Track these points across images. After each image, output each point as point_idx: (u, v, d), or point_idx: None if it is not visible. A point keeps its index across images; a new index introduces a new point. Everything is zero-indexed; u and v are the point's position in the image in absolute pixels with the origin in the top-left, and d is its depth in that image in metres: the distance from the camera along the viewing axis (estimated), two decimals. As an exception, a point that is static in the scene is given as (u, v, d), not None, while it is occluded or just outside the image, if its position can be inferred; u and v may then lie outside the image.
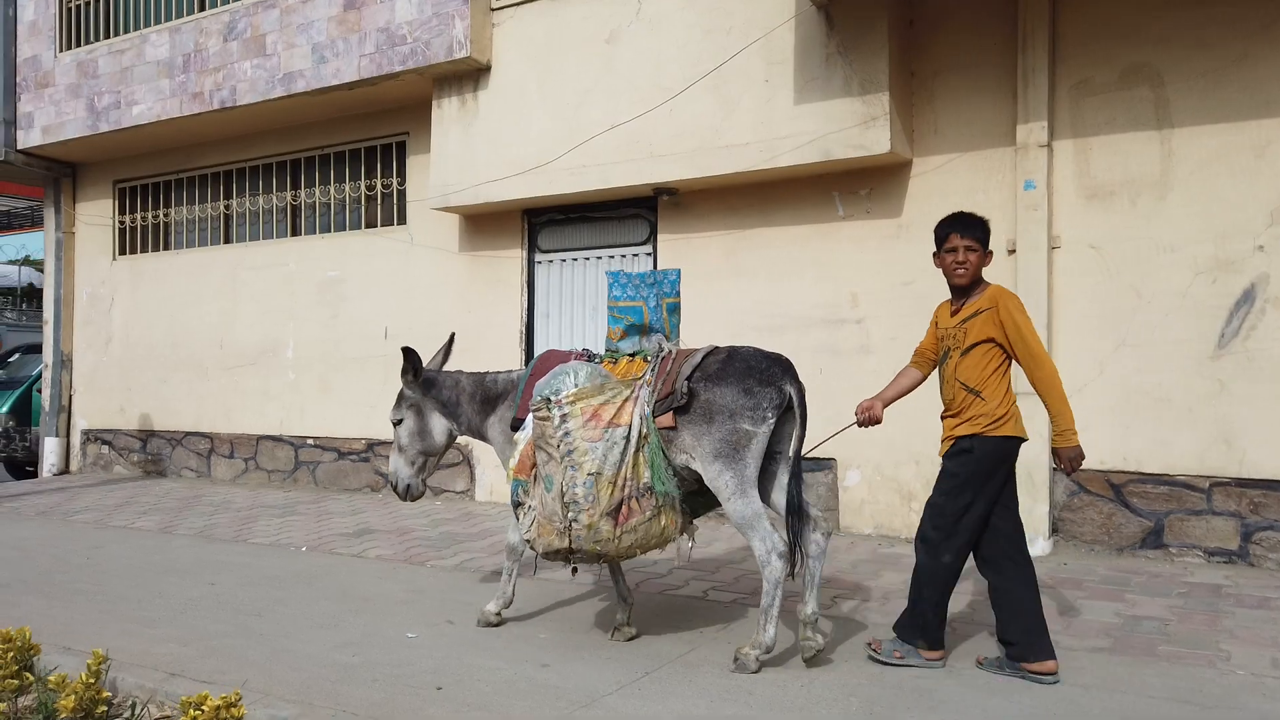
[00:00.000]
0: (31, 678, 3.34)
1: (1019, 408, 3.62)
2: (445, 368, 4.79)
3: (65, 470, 11.06)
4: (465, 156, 7.71)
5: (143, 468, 10.57)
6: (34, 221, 35.41)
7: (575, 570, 4.28)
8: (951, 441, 3.66)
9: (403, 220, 8.76)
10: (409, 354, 4.49)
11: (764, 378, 3.65)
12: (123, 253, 10.89)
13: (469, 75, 7.69)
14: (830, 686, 3.51)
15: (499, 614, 4.35)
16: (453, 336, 5.06)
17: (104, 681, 3.08)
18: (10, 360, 13.82)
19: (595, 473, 3.60)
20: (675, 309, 4.07)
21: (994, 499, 3.58)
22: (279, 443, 9.48)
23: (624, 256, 7.59)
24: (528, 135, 7.38)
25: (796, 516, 3.61)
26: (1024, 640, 3.56)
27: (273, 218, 9.70)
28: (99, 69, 9.76)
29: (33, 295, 24.72)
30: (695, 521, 4.03)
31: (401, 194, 8.79)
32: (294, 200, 9.49)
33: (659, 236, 7.32)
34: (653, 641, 4.08)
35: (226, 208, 10.02)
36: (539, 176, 7.29)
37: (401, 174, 8.77)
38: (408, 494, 4.64)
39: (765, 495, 3.77)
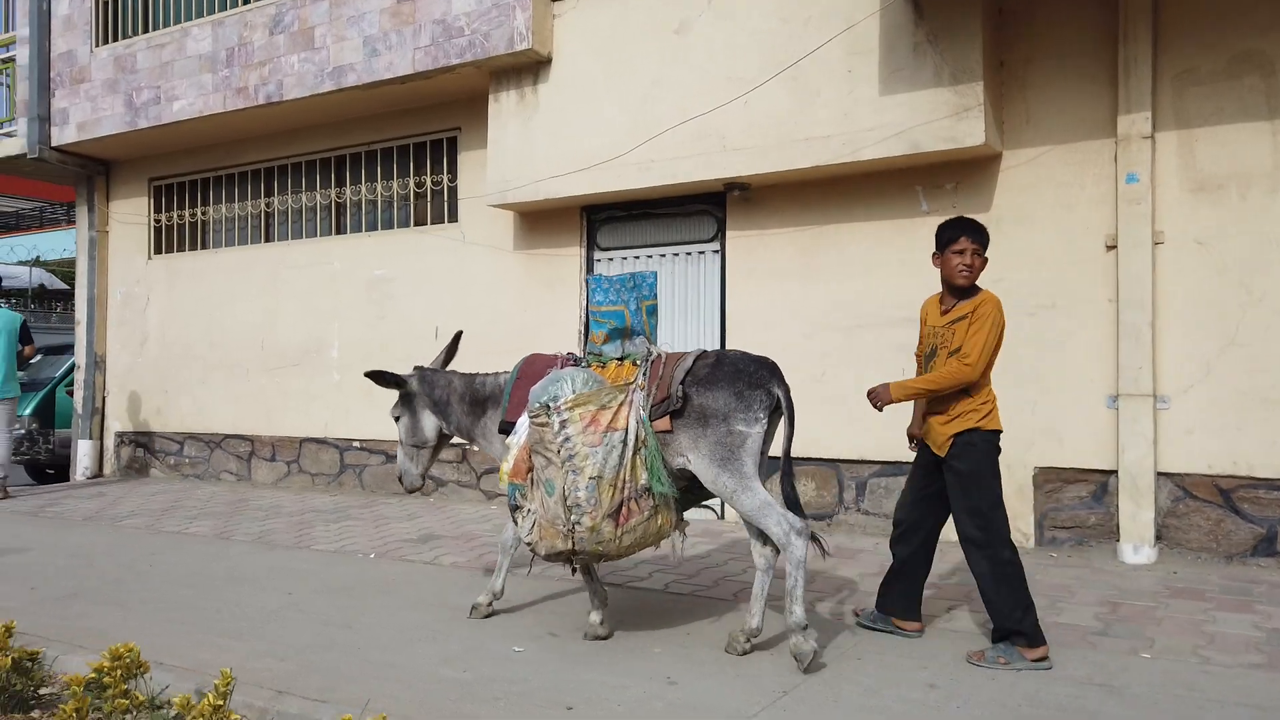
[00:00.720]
0: (141, 697, 3.13)
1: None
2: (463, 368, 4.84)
3: (99, 474, 10.85)
4: (524, 152, 7.50)
5: (179, 471, 10.36)
6: (43, 222, 35.35)
7: (575, 570, 4.28)
8: (950, 440, 3.79)
9: (454, 218, 8.55)
10: (378, 377, 4.66)
11: (753, 380, 3.76)
12: (158, 252, 10.68)
13: (529, 68, 7.48)
14: (984, 705, 3.30)
15: (490, 604, 4.54)
16: (458, 335, 5.05)
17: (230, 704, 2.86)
18: (31, 361, 13.59)
19: (597, 476, 3.68)
20: (654, 311, 4.16)
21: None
22: (323, 445, 9.26)
23: (689, 254, 7.38)
24: (591, 129, 7.17)
25: (795, 512, 3.71)
26: (902, 603, 4.08)
27: (316, 215, 9.49)
28: (137, 64, 9.55)
29: (43, 296, 24.50)
30: (686, 516, 4.16)
31: (453, 191, 8.58)
32: (339, 198, 9.28)
33: (727, 233, 7.10)
34: (766, 657, 3.86)
35: (268, 205, 9.81)
36: (603, 172, 7.07)
37: (453, 170, 8.56)
38: (408, 486, 4.80)
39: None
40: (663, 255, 7.48)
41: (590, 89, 7.21)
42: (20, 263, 26.28)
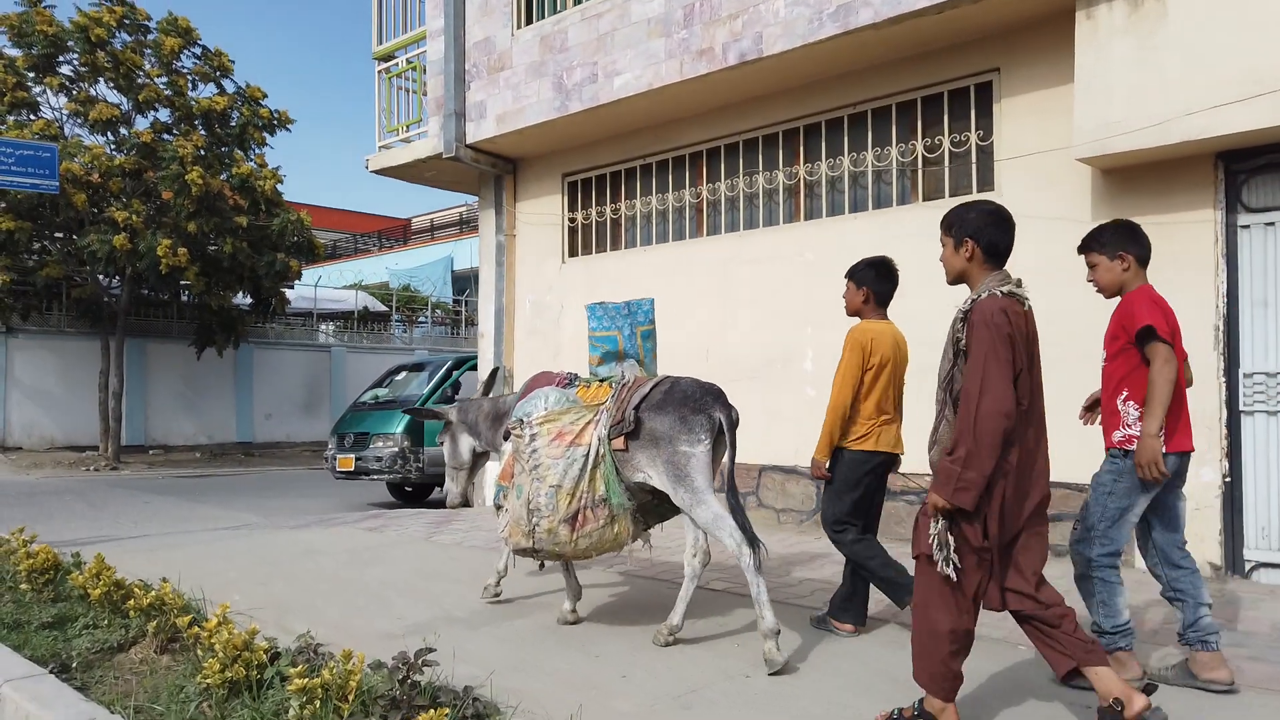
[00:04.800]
0: None
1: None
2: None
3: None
4: (1140, 82, 5.44)
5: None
6: (356, 250, 37.85)
7: (542, 566, 5.28)
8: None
9: (986, 185, 6.64)
10: (416, 413, 5.96)
11: (696, 406, 4.08)
12: (573, 254, 9.63)
13: (1146, -35, 5.43)
14: None
15: (498, 586, 5.11)
16: (495, 372, 6.08)
17: None
18: (395, 379, 13.24)
19: (556, 485, 4.14)
20: (649, 335, 4.57)
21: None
22: (791, 475, 7.67)
23: None
24: (1263, 40, 4.99)
25: (741, 521, 3.95)
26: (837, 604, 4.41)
27: (773, 199, 7.94)
28: (568, 40, 8.47)
29: (366, 319, 25.52)
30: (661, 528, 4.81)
31: (984, 150, 6.68)
32: (809, 174, 7.66)
33: None
34: None
35: (712, 191, 8.40)
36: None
37: (985, 125, 6.66)
38: (450, 503, 5.36)
39: None
40: (1376, 212, 5.15)
41: (1268, -23, 5.04)
42: (345, 287, 27.76)
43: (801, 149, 7.72)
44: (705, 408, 4.08)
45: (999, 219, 3.01)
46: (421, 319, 27.98)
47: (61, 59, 15.87)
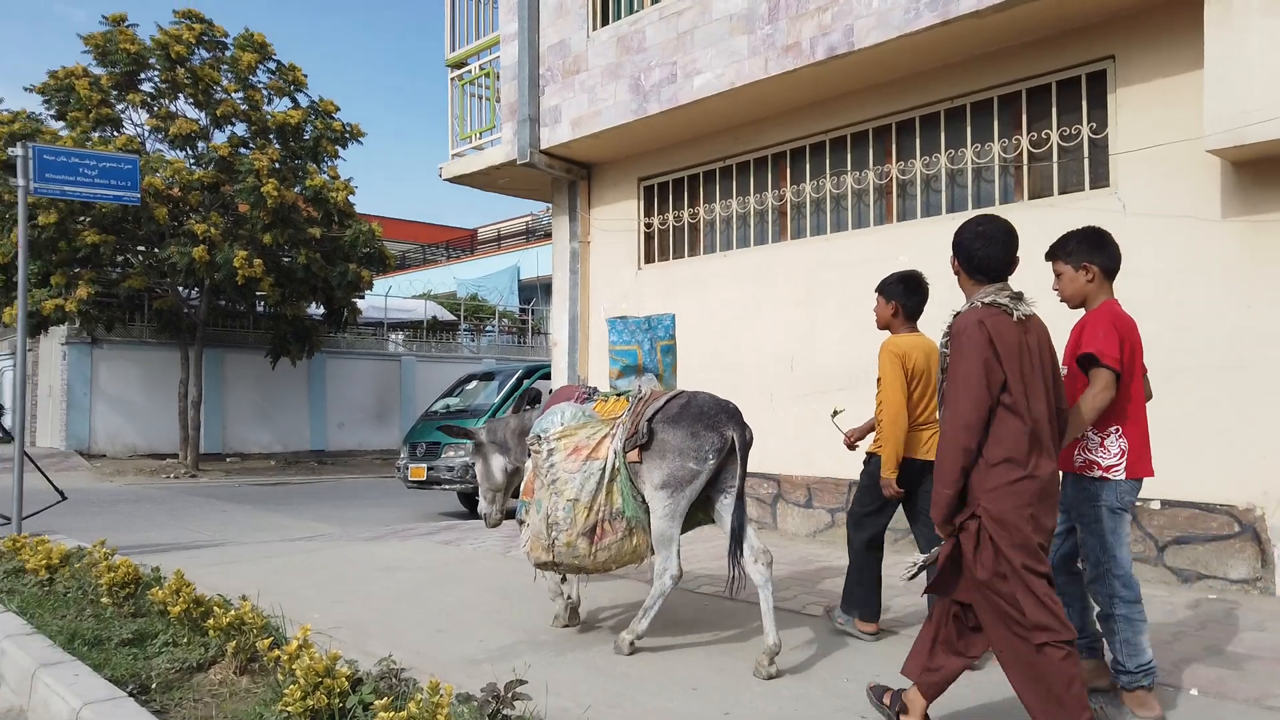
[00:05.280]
0: None
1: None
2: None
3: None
4: (1283, 63, 4.97)
5: (676, 512, 8.88)
6: (425, 261, 38.24)
7: (564, 579, 4.80)
8: None
9: (1101, 181, 6.20)
10: (449, 430, 5.30)
11: (710, 423, 4.11)
12: (649, 260, 9.38)
13: (1286, -63, 4.97)
14: None
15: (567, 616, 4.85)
16: (536, 395, 6.03)
17: None
18: (465, 388, 13.11)
19: (573, 499, 4.18)
20: (669, 350, 4.64)
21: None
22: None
23: None
24: None
25: (737, 544, 4.09)
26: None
27: (862, 201, 7.58)
28: (646, 40, 8.23)
29: (435, 328, 25.66)
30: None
31: (1097, 144, 6.23)
32: (902, 174, 7.28)
33: None
34: None
35: (796, 193, 8.07)
36: None
37: (1098, 117, 6.22)
38: (489, 524, 5.22)
39: (719, 519, 4.27)
40: None
41: None
42: (414, 297, 28.00)
43: (894, 147, 7.34)
44: (718, 425, 4.10)
45: (982, 235, 2.97)
46: (489, 328, 28.07)
47: (143, 76, 16.23)
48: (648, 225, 9.36)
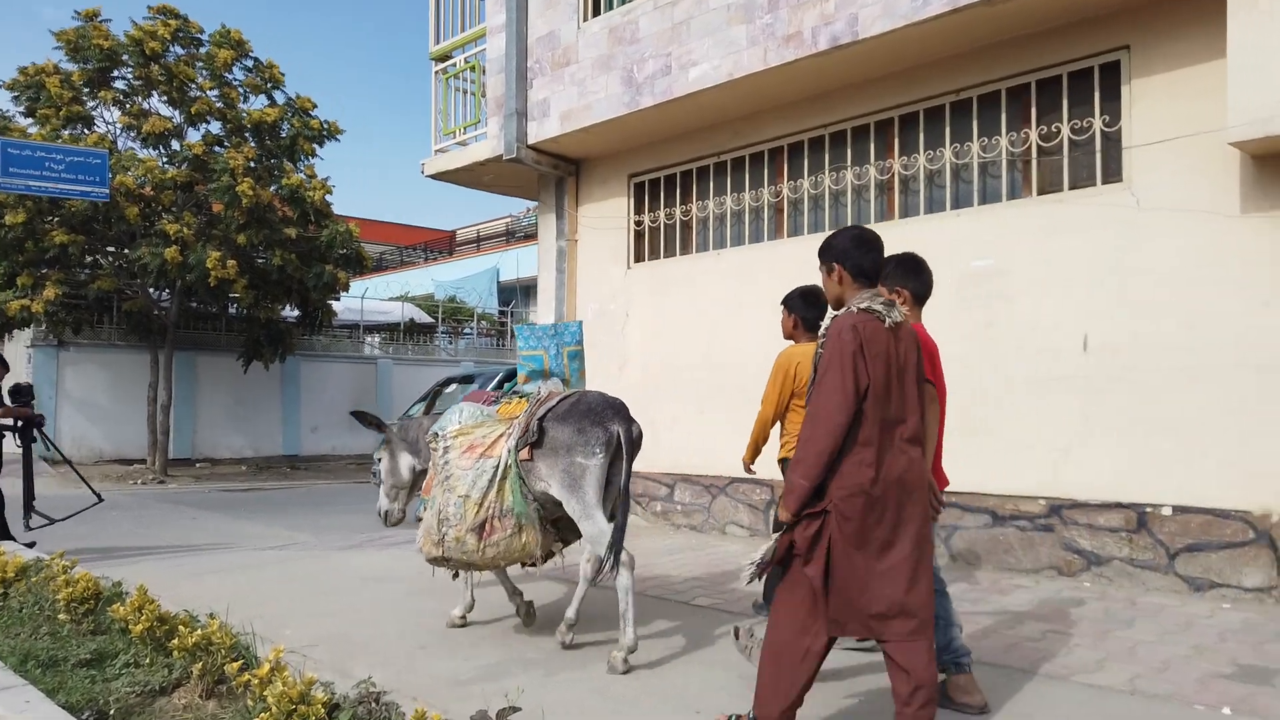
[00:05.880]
0: None
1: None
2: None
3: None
4: (1312, 51, 4.77)
5: (669, 520, 8.60)
6: (402, 262, 37.76)
7: (456, 575, 4.88)
8: None
9: (1114, 175, 5.98)
10: (361, 417, 5.17)
11: (596, 419, 4.22)
12: (639, 259, 9.09)
13: (1314, -80, 4.76)
14: None
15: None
16: (435, 394, 5.95)
17: None
18: (445, 391, 12.76)
19: (464, 495, 4.30)
20: (576, 355, 4.78)
21: None
22: (883, 497, 6.99)
23: None
24: None
25: (618, 541, 4.08)
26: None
27: (864, 196, 7.33)
28: (639, 32, 7.95)
29: (412, 331, 25.26)
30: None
31: (1109, 138, 6.02)
32: (905, 169, 7.04)
33: None
34: None
35: (794, 189, 7.80)
36: None
37: (1111, 110, 6.00)
38: (386, 519, 5.29)
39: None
40: None
41: None
42: (392, 299, 27.57)
43: (896, 141, 7.10)
44: (604, 421, 4.21)
45: (862, 241, 3.09)
46: (467, 330, 27.66)
47: (116, 73, 15.74)
48: (638, 223, 9.08)
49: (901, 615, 2.86)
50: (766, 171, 8.03)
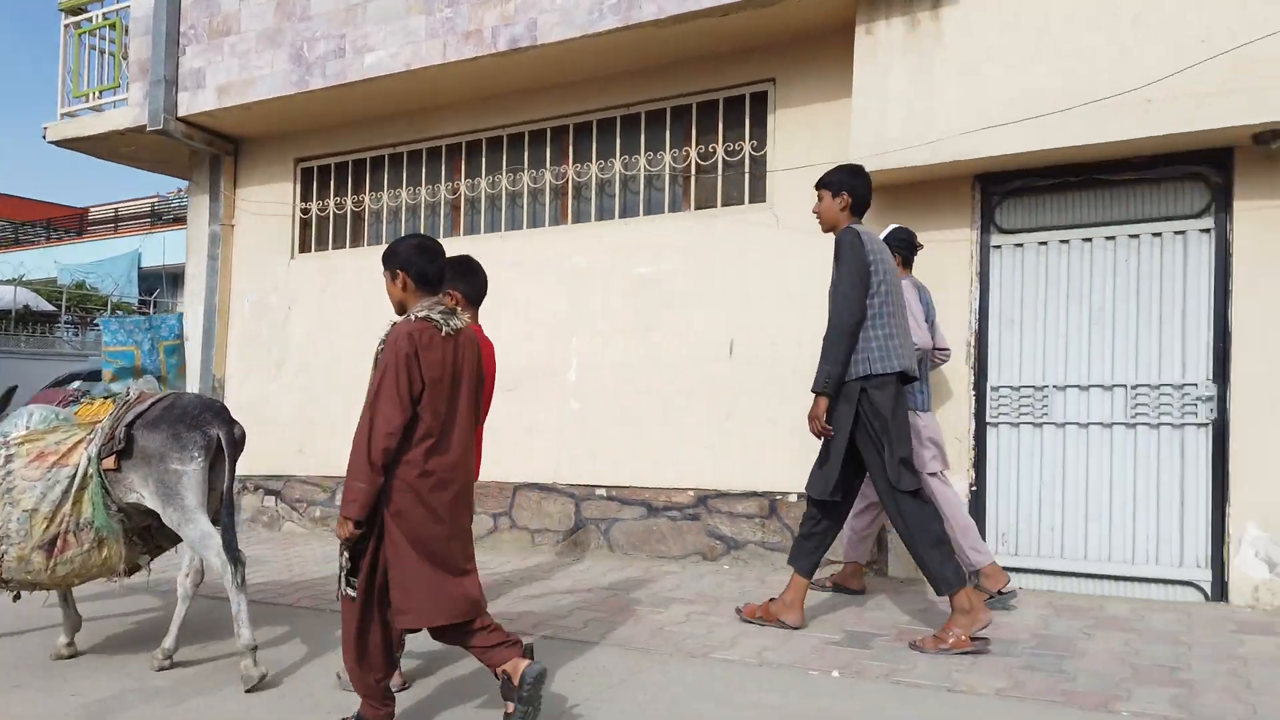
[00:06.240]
0: None
1: None
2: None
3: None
4: (917, 101, 5.59)
5: (328, 525, 8.16)
6: (18, 241, 32.70)
7: (17, 597, 4.34)
8: None
9: (760, 196, 6.59)
10: None
11: (193, 423, 3.95)
12: (304, 249, 8.56)
13: (923, -13, 5.60)
14: None
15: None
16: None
17: None
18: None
19: (32, 509, 3.86)
20: (174, 350, 4.48)
21: None
22: (550, 493, 7.16)
23: (1156, 235, 5.48)
24: (1034, 64, 5.28)
25: (231, 546, 3.90)
26: None
27: (540, 200, 7.46)
28: (311, 8, 7.50)
29: (27, 319, 22.16)
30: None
31: (758, 161, 6.62)
32: (578, 176, 7.26)
33: (1235, 204, 5.22)
34: None
35: (470, 187, 7.75)
36: (1046, 124, 5.19)
37: (760, 135, 6.61)
38: None
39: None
40: (1109, 237, 5.58)
41: (1030, 10, 5.33)
42: (4, 281, 23.91)
43: (571, 149, 7.32)
44: (202, 424, 4.00)
45: (425, 249, 3.24)
46: (98, 321, 24.46)
47: None
48: (304, 211, 8.55)
49: (465, 601, 3.07)
50: (444, 168, 7.92)
